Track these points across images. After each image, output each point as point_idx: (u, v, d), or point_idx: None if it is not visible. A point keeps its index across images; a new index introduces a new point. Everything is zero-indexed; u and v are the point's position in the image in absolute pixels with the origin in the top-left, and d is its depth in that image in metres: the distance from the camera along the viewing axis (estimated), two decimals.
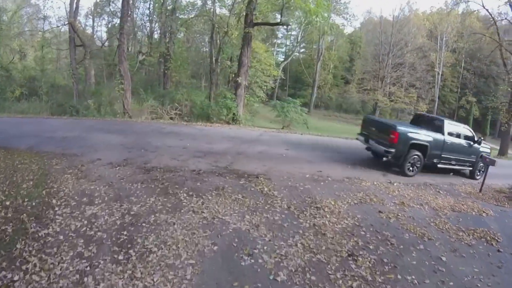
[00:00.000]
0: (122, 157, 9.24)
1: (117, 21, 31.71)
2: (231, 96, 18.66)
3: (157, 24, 33.15)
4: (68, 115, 20.39)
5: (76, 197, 6.45)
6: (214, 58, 22.74)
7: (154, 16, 33.05)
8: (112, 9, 34.28)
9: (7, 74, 28.85)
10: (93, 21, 39.84)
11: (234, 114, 18.09)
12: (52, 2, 46.02)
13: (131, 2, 18.96)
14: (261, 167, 9.44)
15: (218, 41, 23.28)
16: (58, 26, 29.40)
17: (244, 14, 18.91)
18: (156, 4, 29.88)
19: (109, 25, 39.20)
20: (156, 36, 35.02)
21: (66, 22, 24.27)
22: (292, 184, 8.27)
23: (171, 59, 24.78)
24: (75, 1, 23.53)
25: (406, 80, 47.86)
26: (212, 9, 23.73)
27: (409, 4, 52.42)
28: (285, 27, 35.56)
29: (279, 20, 20.88)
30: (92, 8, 36.16)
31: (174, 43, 26.15)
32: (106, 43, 35.70)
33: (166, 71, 25.51)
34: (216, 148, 11.34)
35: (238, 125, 17.60)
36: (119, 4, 25.23)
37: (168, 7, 26.16)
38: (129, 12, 18.99)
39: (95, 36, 38.32)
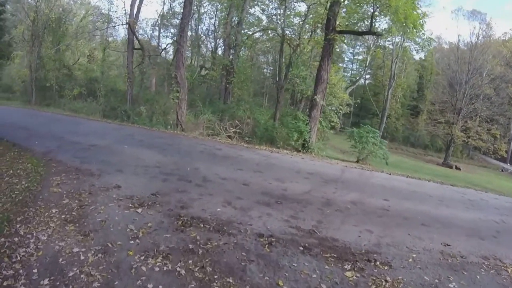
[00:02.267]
0: (151, 188, 6.71)
1: None
2: (304, 118, 15.53)
3: (221, 40, 31.83)
4: (119, 119, 18.81)
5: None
6: (283, 73, 19.98)
7: (219, 32, 31.77)
8: (177, 22, 33.47)
9: (69, 73, 29.12)
10: (159, 32, 39.09)
11: (305, 140, 15.10)
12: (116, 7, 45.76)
13: (194, 3, 16.98)
14: (365, 234, 5.99)
15: (283, 54, 20.67)
16: (115, 25, 28.88)
17: (325, 19, 15.88)
18: (222, 15, 28.53)
19: (175, 38, 38.16)
20: (220, 52, 33.68)
21: (125, 22, 22.94)
22: (428, 278, 4.69)
23: (234, 73, 22.58)
24: (137, 2, 22.12)
25: (483, 114, 42.19)
26: (282, 20, 21.06)
27: (487, 28, 46.31)
28: (373, 37, 30.20)
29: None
30: (159, 20, 35.23)
31: (238, 56, 24.02)
32: (170, 54, 34.90)
33: (228, 85, 23.26)
34: (291, 190, 8.14)
35: (310, 155, 14.60)
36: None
37: (234, 20, 24.48)
38: (191, 14, 17.02)
39: (159, 47, 37.53)
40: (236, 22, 24.08)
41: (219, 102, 23.29)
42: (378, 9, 14.48)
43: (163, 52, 31.97)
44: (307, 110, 17.30)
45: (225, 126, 15.87)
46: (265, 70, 36.72)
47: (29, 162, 7.70)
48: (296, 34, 20.59)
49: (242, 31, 24.32)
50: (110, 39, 33.76)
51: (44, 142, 9.89)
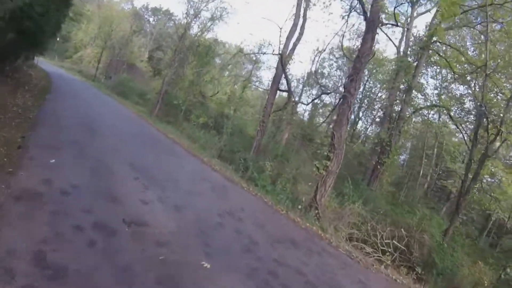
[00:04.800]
0: None
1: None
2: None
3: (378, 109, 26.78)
4: (235, 167, 14.61)
5: None
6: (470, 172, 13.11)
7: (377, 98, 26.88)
8: (324, 83, 29.78)
9: (203, 101, 27.09)
10: (302, 90, 35.83)
11: None
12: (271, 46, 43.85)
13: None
14: None
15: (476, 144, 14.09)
16: (265, 53, 25.91)
17: None
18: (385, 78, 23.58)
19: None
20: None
21: (277, 53, 19.02)
22: None
23: (390, 152, 17.03)
24: (292, 39, 18.67)
25: None
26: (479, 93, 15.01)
27: None
28: None
29: None
30: (305, 76, 32.03)
31: (400, 133, 18.40)
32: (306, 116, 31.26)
33: (379, 166, 17.72)
34: None
35: None
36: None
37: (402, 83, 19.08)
38: (371, 53, 12.25)
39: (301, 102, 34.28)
40: (405, 89, 18.86)
41: (363, 184, 17.42)
42: None
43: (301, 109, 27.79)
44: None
45: (377, 234, 10.14)
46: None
47: None
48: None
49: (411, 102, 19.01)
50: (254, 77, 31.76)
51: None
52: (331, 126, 17.23)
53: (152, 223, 5.12)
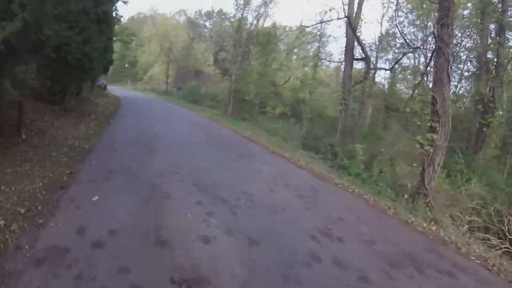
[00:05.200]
0: None
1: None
2: None
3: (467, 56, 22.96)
4: (321, 156, 13.39)
5: None
6: None
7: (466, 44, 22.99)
8: (399, 45, 26.25)
9: (275, 91, 26.10)
10: (376, 58, 32.26)
11: None
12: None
13: None
14: None
15: None
16: (330, 21, 23.05)
17: None
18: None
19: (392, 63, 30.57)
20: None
21: (343, 16, 16.85)
22: None
23: (494, 109, 14.27)
24: None
25: None
26: None
27: None
28: None
29: None
30: (377, 41, 28.66)
31: (502, 84, 15.26)
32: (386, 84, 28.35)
33: (484, 128, 15.15)
34: None
35: None
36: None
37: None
38: None
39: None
40: (496, 30, 15.60)
41: (469, 153, 14.98)
42: None
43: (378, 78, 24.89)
44: None
45: (507, 217, 7.98)
46: None
47: None
48: None
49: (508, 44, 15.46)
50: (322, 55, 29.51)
51: None
52: (416, 91, 14.75)
53: (214, 278, 3.63)
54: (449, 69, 8.76)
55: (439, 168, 8.77)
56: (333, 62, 29.10)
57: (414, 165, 10.07)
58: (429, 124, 8.76)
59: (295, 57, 34.24)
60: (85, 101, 16.71)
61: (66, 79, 11.91)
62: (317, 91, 26.05)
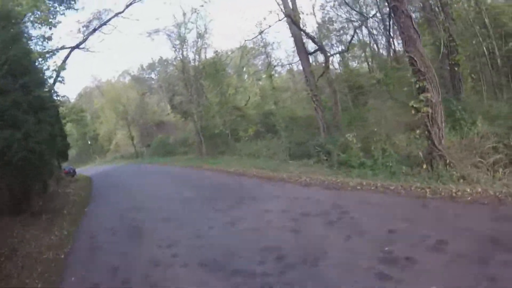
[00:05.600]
0: None
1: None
2: None
3: None
4: (314, 160, 12.56)
5: None
6: None
7: None
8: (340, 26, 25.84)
9: (240, 114, 25.45)
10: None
11: None
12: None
13: None
14: None
15: None
16: (271, 26, 21.79)
17: None
18: None
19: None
20: None
21: (282, 17, 15.35)
22: None
23: (456, 44, 13.63)
24: None
25: None
26: None
27: None
28: None
29: None
30: (316, 31, 27.31)
31: (447, 16, 14.59)
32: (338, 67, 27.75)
33: (456, 68, 14.11)
34: None
35: None
36: None
37: None
38: None
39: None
40: None
41: (451, 99, 13.78)
42: None
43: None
44: None
45: None
46: None
47: None
48: None
49: None
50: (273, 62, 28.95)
51: None
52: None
53: None
54: (414, 24, 8.16)
55: (443, 125, 8.03)
56: (288, 64, 28.38)
57: (409, 135, 9.40)
58: (417, 86, 8.04)
59: (246, 75, 33.93)
60: (54, 196, 15.23)
61: (21, 183, 10.57)
62: (281, 99, 25.36)
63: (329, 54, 16.11)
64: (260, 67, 34.50)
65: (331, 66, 19.11)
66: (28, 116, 9.68)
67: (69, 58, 22.84)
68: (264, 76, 30.90)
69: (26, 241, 8.75)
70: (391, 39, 20.19)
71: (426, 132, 8.13)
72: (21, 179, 10.02)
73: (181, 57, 24.95)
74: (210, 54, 28.26)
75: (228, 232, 6.75)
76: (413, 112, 8.13)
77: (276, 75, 31.30)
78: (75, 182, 22.26)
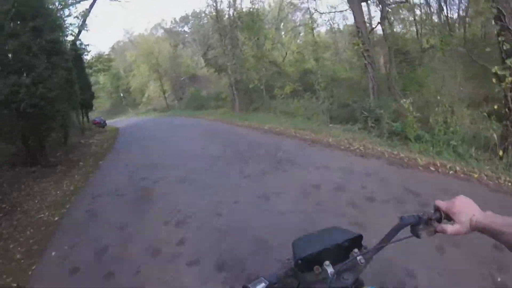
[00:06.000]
0: None
1: None
2: None
3: None
4: (360, 126, 11.22)
5: None
6: None
7: None
8: None
9: (277, 70, 23.91)
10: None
11: None
12: None
13: None
14: None
15: None
16: None
17: None
18: None
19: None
20: None
21: None
22: None
23: None
24: None
25: None
26: None
27: None
28: None
29: None
30: None
31: None
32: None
33: None
34: None
35: None
36: None
37: None
38: None
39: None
40: None
41: None
42: None
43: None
44: None
45: None
46: None
47: None
48: None
49: None
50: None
51: None
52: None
53: None
54: None
55: None
56: (334, 12, 25.85)
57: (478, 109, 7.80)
58: (504, 47, 6.40)
59: (283, 32, 31.87)
60: (75, 147, 14.78)
61: (34, 133, 9.90)
62: (321, 57, 23.44)
63: (386, 7, 13.84)
64: (298, 23, 32.41)
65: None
66: (38, 60, 8.79)
67: (98, 8, 22.01)
68: (302, 33, 28.89)
69: (33, 195, 8.25)
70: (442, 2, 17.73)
71: (506, 110, 6.57)
72: (32, 128, 9.28)
73: (215, 6, 23.24)
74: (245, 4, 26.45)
75: (260, 212, 5.23)
76: (494, 81, 6.54)
77: (316, 31, 29.09)
78: (103, 133, 21.96)
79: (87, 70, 23.93)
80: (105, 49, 58.43)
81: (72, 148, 14.26)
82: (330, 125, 12.89)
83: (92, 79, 27.74)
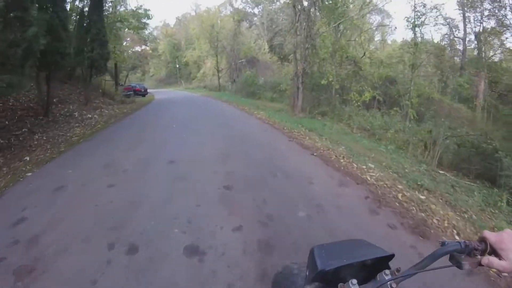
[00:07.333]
0: None
1: None
2: None
3: None
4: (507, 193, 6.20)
5: None
6: None
7: None
8: None
9: (357, 70, 19.46)
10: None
11: None
12: None
13: None
14: None
15: None
16: None
17: None
18: None
19: None
20: None
21: None
22: None
23: None
24: None
25: None
26: None
27: None
28: None
29: None
30: None
31: None
32: None
33: None
34: None
35: None
36: None
37: None
38: None
39: None
40: None
41: None
42: None
43: None
44: None
45: None
46: None
47: None
48: None
49: None
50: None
51: None
52: None
53: None
54: None
55: None
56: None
57: None
58: None
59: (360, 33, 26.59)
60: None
61: None
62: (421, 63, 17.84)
63: None
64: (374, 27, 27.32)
65: None
66: None
67: None
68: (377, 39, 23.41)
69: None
70: None
71: None
72: None
73: None
74: None
75: None
76: None
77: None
78: (130, 103, 18.51)
79: (118, 25, 20.06)
80: (171, 20, 58.44)
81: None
82: (441, 172, 7.85)
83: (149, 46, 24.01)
